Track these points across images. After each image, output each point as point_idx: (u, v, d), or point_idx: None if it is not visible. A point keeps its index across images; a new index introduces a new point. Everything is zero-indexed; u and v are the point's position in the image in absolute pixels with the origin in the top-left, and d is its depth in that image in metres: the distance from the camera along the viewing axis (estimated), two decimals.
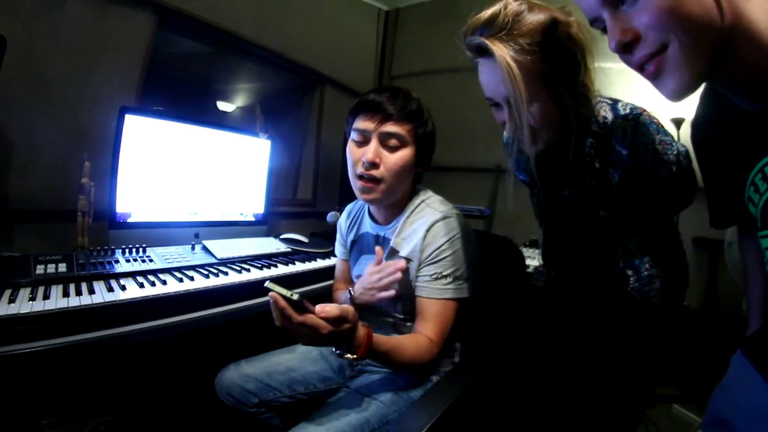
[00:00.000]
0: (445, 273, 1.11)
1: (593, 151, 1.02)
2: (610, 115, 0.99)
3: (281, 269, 1.58)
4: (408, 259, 1.16)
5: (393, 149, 1.13)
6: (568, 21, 0.90)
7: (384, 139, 1.13)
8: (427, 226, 1.14)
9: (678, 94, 0.62)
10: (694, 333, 2.17)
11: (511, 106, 0.92)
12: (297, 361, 1.29)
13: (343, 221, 1.42)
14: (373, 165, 1.11)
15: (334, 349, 0.95)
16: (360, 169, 1.13)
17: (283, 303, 0.82)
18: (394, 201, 1.21)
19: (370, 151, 1.11)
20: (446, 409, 0.96)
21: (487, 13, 0.89)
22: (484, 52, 0.90)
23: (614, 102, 1.01)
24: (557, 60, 0.89)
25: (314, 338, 0.86)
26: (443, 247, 1.12)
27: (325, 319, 0.85)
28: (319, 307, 0.85)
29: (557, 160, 1.07)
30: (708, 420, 0.78)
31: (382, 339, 0.98)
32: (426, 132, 1.18)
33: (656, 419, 2.01)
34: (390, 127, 1.12)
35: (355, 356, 0.93)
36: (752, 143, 0.69)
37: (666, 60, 0.60)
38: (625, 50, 0.63)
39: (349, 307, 0.89)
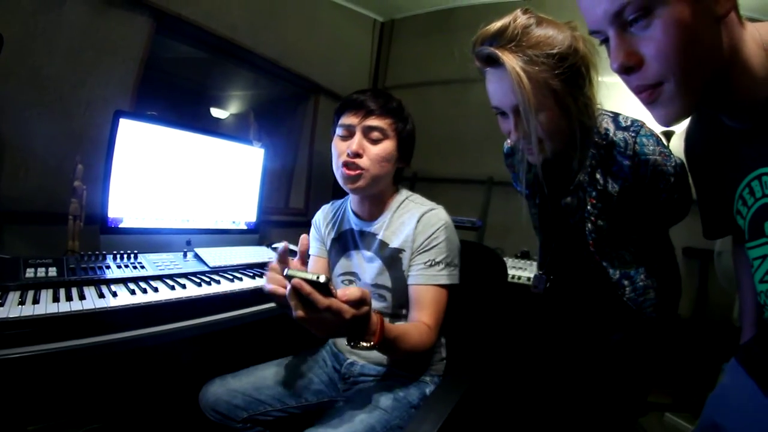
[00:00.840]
0: (438, 260, 1.16)
1: (594, 162, 1.04)
2: (611, 127, 1.02)
3: None
4: (401, 250, 1.20)
5: (375, 141, 1.19)
6: (574, 36, 0.93)
7: (367, 132, 1.19)
8: (417, 216, 1.20)
9: (669, 122, 0.66)
10: (685, 341, 2.19)
11: (519, 115, 0.94)
12: (285, 374, 1.27)
13: (320, 218, 1.43)
14: (357, 155, 1.16)
15: (346, 341, 0.91)
16: (344, 159, 1.18)
17: (308, 288, 0.76)
18: (378, 194, 1.26)
19: (354, 142, 1.17)
20: (450, 413, 0.98)
21: (497, 25, 0.92)
22: (493, 62, 0.93)
23: (615, 115, 1.04)
24: (563, 71, 0.91)
25: (335, 325, 0.82)
26: (435, 235, 1.17)
27: (346, 302, 0.81)
28: (340, 291, 0.81)
29: (561, 168, 1.09)
30: (702, 425, 0.79)
31: (390, 325, 0.97)
32: (406, 129, 1.25)
33: (648, 427, 2.02)
34: (372, 121, 1.18)
35: (371, 344, 0.90)
36: (739, 158, 0.72)
37: (662, 92, 0.62)
38: (626, 72, 0.64)
39: (365, 290, 0.86)
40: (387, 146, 1.20)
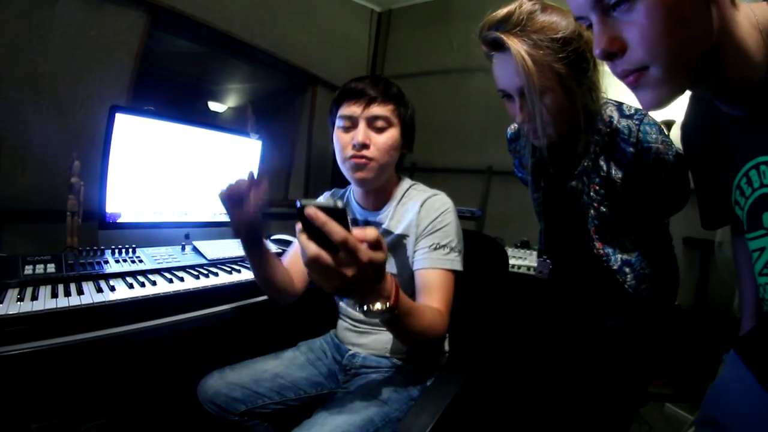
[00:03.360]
0: (442, 243, 1.14)
1: (598, 149, 1.05)
2: (615, 115, 1.03)
3: None
4: (404, 235, 1.19)
5: (380, 130, 1.17)
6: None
7: (371, 122, 1.16)
8: (420, 202, 1.19)
9: (654, 107, 0.64)
10: (685, 332, 2.19)
11: (524, 98, 0.96)
12: (284, 367, 1.28)
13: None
14: (364, 146, 1.14)
15: (357, 307, 0.81)
16: (350, 152, 1.15)
17: (324, 217, 0.66)
18: (382, 184, 1.24)
19: (360, 133, 1.14)
20: (448, 404, 0.99)
21: (503, 11, 0.95)
22: (499, 46, 0.96)
23: (620, 104, 1.05)
24: (567, 55, 0.93)
25: (349, 270, 0.70)
26: (438, 219, 1.16)
27: (362, 241, 0.71)
28: (356, 230, 0.71)
29: (567, 152, 1.10)
30: (700, 419, 0.78)
31: (405, 296, 0.88)
32: (408, 114, 1.23)
33: (649, 418, 2.02)
34: (376, 109, 1.15)
35: (386, 306, 0.80)
36: (737, 147, 0.70)
37: (646, 77, 0.60)
38: (609, 58, 0.62)
39: (380, 234, 0.75)
40: (392, 134, 1.18)
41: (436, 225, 1.15)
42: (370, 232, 0.72)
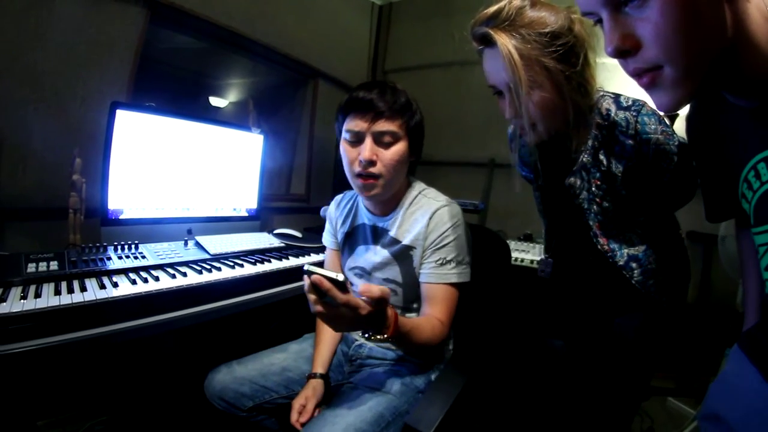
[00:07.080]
0: (449, 258, 1.15)
1: (597, 143, 1.04)
2: (613, 108, 1.02)
3: (275, 264, 1.57)
4: (411, 247, 1.19)
5: (388, 145, 1.15)
6: (570, 17, 0.94)
7: (378, 137, 1.14)
8: (429, 214, 1.18)
9: (672, 108, 0.63)
10: (688, 326, 2.18)
11: (512, 93, 0.96)
12: (291, 360, 1.28)
13: (333, 211, 1.42)
14: (371, 163, 1.12)
15: (360, 333, 0.96)
16: (358, 168, 1.14)
17: (327, 284, 0.82)
18: (392, 193, 1.22)
19: (366, 149, 1.12)
20: (456, 397, 1.00)
21: (493, 8, 0.95)
22: (488, 42, 0.96)
23: (617, 96, 1.04)
24: (556, 50, 0.93)
25: (352, 320, 0.87)
26: (446, 233, 1.15)
27: (366, 299, 0.86)
28: (363, 287, 0.86)
29: (563, 148, 1.09)
30: (704, 414, 0.78)
31: (404, 319, 0.99)
32: (416, 123, 1.21)
33: (651, 412, 2.03)
34: (383, 125, 1.13)
35: (384, 336, 0.94)
36: (745, 139, 0.69)
37: (661, 77, 0.59)
38: (621, 56, 0.60)
39: (385, 288, 0.89)
40: (400, 148, 1.15)
41: (444, 240, 1.15)
42: (373, 292, 0.86)
